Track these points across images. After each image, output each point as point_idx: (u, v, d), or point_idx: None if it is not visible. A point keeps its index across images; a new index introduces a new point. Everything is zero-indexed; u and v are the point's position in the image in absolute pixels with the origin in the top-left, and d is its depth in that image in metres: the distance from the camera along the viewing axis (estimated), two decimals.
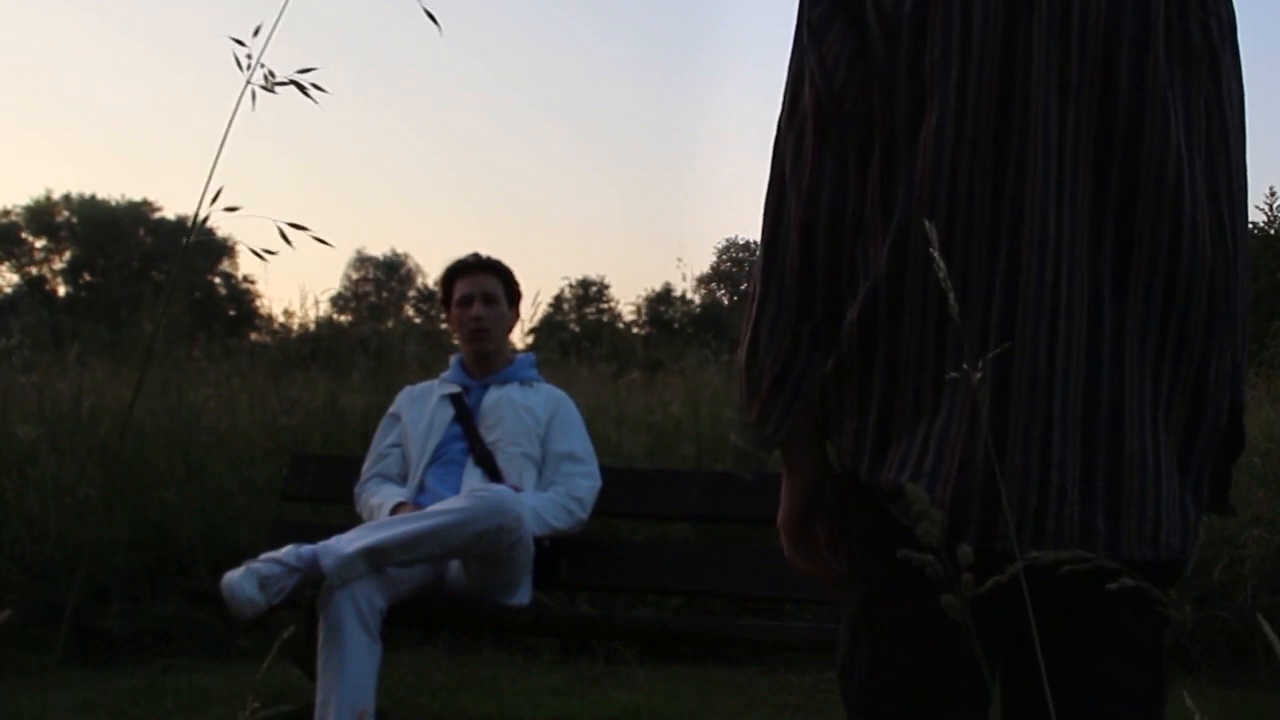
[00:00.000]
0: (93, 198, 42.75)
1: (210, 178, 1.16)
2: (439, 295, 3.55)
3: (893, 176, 1.18)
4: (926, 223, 1.06)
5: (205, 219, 1.17)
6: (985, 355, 1.12)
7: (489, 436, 3.21)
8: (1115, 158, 1.14)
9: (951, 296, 0.99)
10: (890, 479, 1.17)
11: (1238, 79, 1.22)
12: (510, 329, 3.47)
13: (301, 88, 1.21)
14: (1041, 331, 1.13)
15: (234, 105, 1.18)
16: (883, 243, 1.19)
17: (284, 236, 1.23)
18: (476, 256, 3.43)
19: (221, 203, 1.18)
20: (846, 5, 1.21)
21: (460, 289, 3.36)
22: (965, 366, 1.06)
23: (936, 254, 1.00)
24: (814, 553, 1.31)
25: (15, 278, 42.19)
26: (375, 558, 2.76)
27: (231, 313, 36.08)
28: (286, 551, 2.77)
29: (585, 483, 3.20)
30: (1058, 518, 1.12)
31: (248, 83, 1.18)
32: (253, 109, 1.19)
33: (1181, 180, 1.14)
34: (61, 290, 41.70)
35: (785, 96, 1.27)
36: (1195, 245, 1.15)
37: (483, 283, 3.36)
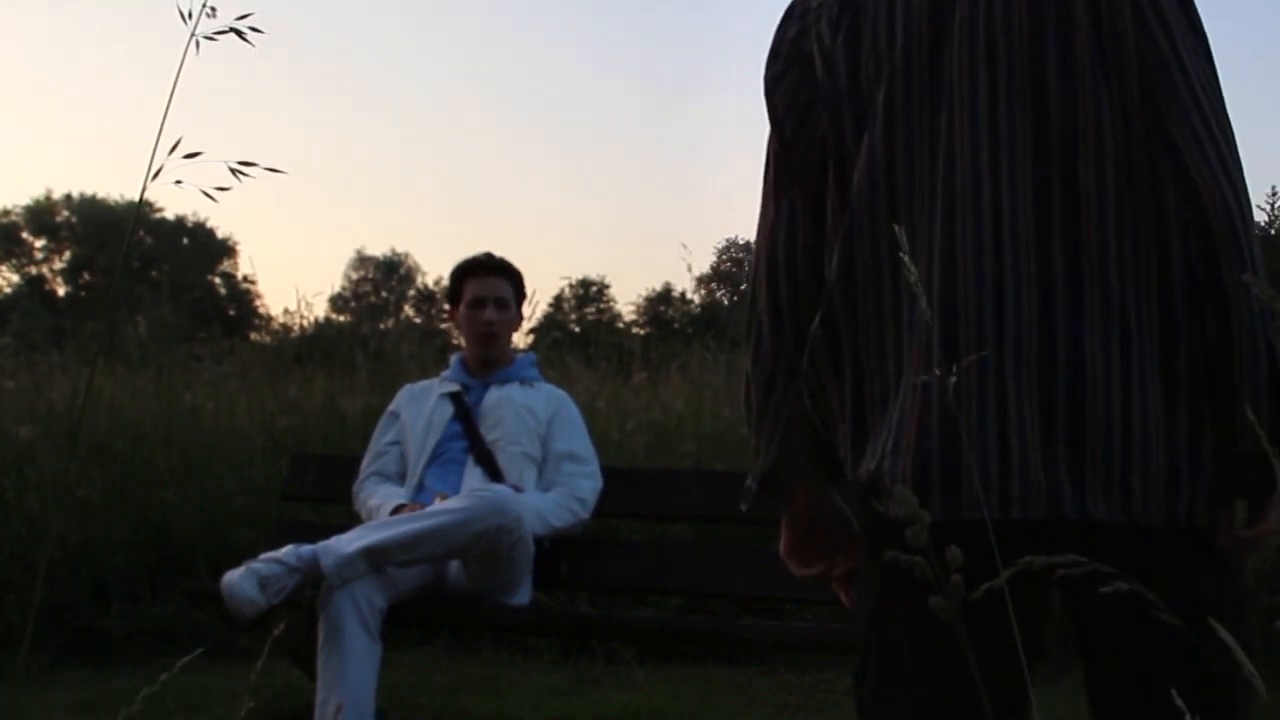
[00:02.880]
0: (93, 198, 42.77)
1: (161, 128, 1.20)
2: (445, 292, 3.53)
3: (844, 189, 1.24)
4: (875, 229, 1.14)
5: (160, 170, 1.21)
6: (932, 333, 1.15)
7: (489, 436, 3.21)
8: (1053, 127, 1.15)
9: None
10: (864, 470, 1.20)
11: (1194, 52, 1.19)
12: (515, 331, 3.47)
13: (240, 34, 1.27)
14: (986, 300, 1.14)
15: (180, 57, 1.24)
16: (835, 249, 1.24)
17: (235, 174, 1.29)
18: (490, 257, 3.39)
19: (181, 150, 1.22)
20: (798, 58, 1.29)
21: (472, 289, 3.33)
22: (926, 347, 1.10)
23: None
24: (818, 574, 1.37)
25: (15, 278, 42.22)
26: (375, 558, 2.76)
27: (231, 313, 36.09)
28: (286, 551, 2.77)
29: (588, 483, 3.20)
30: (1023, 483, 1.12)
31: (192, 34, 1.24)
32: (197, 54, 1.25)
33: (1122, 144, 1.15)
34: (61, 290, 41.72)
35: None
36: (1158, 213, 1.14)
37: (495, 286, 3.33)
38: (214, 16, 1.24)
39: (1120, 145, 1.15)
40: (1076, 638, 1.20)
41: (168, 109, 1.22)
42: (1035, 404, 1.12)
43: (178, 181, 1.22)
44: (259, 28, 1.28)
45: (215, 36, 1.26)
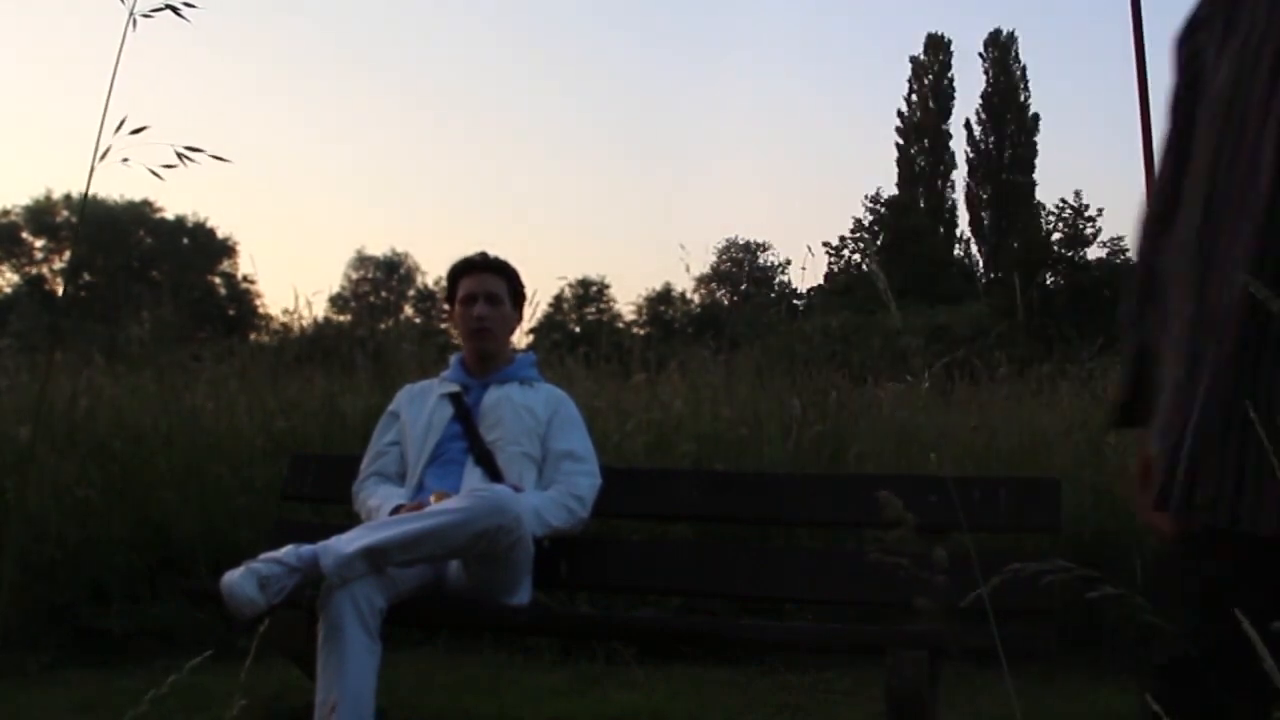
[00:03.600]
0: (93, 198, 42.77)
1: (107, 106, 1.22)
2: (443, 292, 3.55)
3: (1185, 171, 1.34)
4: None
5: (108, 149, 1.23)
6: (1214, 341, 1.21)
7: (489, 436, 3.21)
8: None
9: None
10: (1151, 449, 1.30)
11: None
12: (513, 330, 3.47)
13: (175, 9, 1.31)
14: (1256, 321, 1.18)
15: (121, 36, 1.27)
16: (1172, 228, 1.34)
17: (180, 157, 1.32)
18: (484, 256, 3.42)
19: (126, 128, 1.24)
20: (1203, 25, 1.36)
21: (465, 287, 3.36)
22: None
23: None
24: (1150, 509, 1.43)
25: (15, 278, 42.22)
26: (375, 558, 2.76)
27: (231, 313, 36.09)
28: (286, 551, 2.76)
29: (586, 481, 3.19)
30: (1256, 495, 1.16)
31: (131, 13, 1.27)
32: (134, 30, 1.29)
33: None
34: (61, 290, 41.74)
35: None
36: None
37: (488, 283, 3.36)
38: None
39: None
40: None
41: (111, 88, 1.25)
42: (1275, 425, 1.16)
43: (124, 160, 1.23)
44: (193, 3, 1.31)
45: (152, 14, 1.29)
